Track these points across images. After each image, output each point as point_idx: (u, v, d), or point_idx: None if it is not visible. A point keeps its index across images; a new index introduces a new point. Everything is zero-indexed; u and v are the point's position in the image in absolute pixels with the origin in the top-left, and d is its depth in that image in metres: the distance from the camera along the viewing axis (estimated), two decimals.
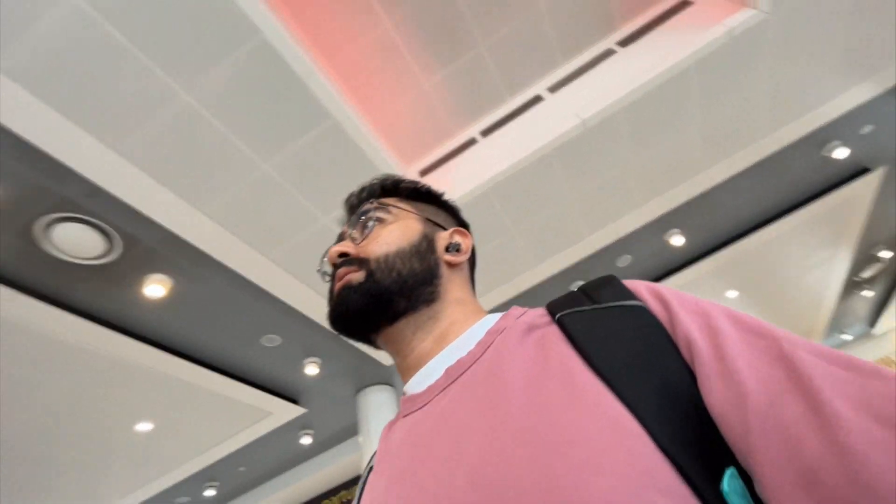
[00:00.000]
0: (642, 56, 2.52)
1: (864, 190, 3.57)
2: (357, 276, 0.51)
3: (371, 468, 0.51)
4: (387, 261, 0.52)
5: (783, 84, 2.59)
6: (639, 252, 3.51)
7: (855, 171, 3.38)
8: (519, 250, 3.08)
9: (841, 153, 3.09)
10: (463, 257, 0.58)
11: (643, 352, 0.36)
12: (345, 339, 0.55)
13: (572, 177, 2.69)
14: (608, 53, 2.73)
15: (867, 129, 3.03)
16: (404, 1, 2.43)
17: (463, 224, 0.64)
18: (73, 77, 1.73)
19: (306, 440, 4.50)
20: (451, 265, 0.57)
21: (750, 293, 4.72)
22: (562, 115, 2.53)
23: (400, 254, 0.53)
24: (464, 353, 0.47)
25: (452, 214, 0.64)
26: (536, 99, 2.84)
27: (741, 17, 2.17)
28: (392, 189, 0.62)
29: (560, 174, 2.65)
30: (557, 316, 0.43)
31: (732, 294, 4.67)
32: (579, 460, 0.31)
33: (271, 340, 3.23)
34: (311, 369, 3.52)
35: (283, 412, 3.98)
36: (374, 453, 0.52)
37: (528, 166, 2.52)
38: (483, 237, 2.93)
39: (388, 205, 0.59)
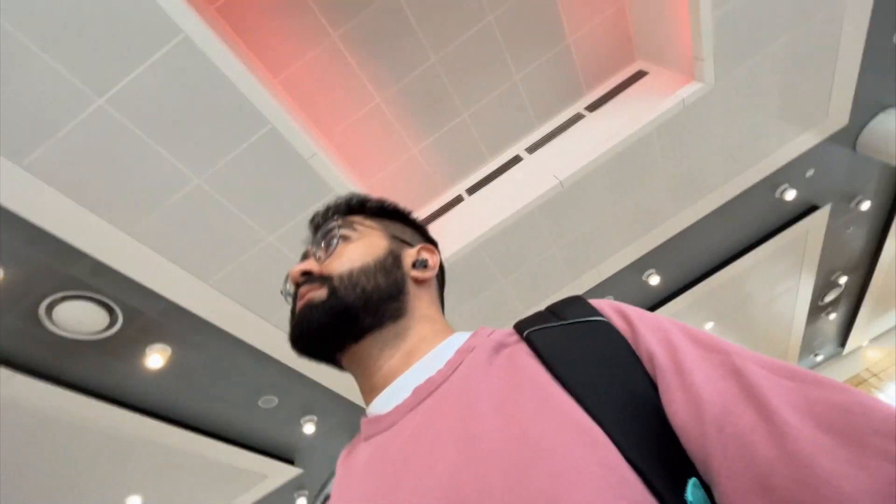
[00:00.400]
0: (609, 120, 2.81)
1: (816, 224, 3.91)
2: (319, 294, 0.49)
3: (327, 496, 0.48)
4: (350, 277, 0.50)
5: (734, 140, 2.91)
6: (620, 292, 3.72)
7: (805, 210, 3.72)
8: (509, 298, 3.23)
9: (790, 195, 3.42)
10: (430, 273, 0.57)
11: (608, 365, 0.37)
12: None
13: (555, 229, 2.90)
14: (578, 117, 3.02)
15: (810, 172, 3.39)
16: (393, 79, 2.67)
17: (431, 241, 0.63)
18: (91, 167, 1.84)
19: (301, 502, 4.36)
20: (418, 281, 0.55)
21: (725, 323, 4.96)
22: (541, 174, 2.76)
23: (364, 270, 0.51)
24: (433, 372, 0.45)
25: (420, 232, 0.63)
26: (516, 159, 3.08)
27: (691, 89, 2.47)
28: (358, 207, 0.60)
29: (544, 228, 2.85)
30: (525, 333, 0.43)
31: (709, 325, 4.90)
32: (553, 472, 0.31)
33: (268, 402, 3.22)
34: (309, 428, 3.50)
35: (279, 475, 3.89)
36: (328, 480, 0.50)
37: (514, 223, 2.71)
38: (475, 288, 3.07)
39: (353, 222, 0.57)
